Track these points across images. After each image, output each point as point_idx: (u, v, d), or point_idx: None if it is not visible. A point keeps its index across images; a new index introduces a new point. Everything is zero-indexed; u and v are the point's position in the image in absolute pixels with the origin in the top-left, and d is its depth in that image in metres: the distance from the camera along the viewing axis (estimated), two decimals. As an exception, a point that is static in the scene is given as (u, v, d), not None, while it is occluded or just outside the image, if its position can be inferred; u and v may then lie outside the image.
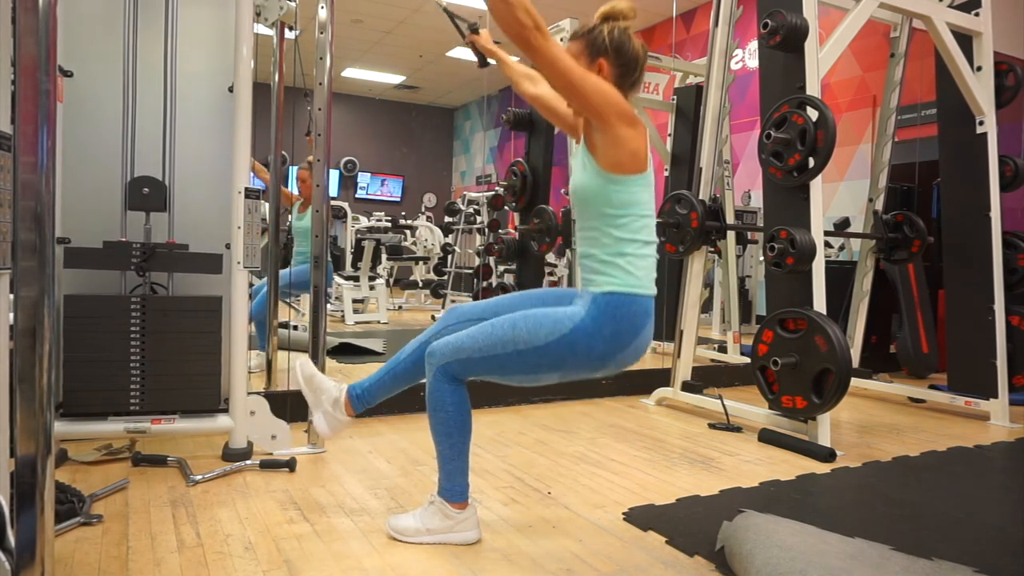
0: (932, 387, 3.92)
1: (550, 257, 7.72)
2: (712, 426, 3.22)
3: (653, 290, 1.72)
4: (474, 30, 2.05)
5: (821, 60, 2.99)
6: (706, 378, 3.75)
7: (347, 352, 4.73)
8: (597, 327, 1.65)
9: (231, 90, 2.45)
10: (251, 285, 3.01)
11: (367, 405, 1.94)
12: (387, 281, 8.38)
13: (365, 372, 4.19)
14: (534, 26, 1.52)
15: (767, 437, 2.96)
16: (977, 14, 3.59)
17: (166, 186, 2.46)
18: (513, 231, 5.25)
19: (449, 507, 1.79)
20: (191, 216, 2.55)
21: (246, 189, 2.36)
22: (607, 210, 1.68)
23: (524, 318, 1.71)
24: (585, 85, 1.59)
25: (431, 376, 1.77)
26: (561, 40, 4.47)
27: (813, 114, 2.85)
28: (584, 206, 1.73)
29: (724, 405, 3.26)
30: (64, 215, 2.40)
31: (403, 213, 10.70)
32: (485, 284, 6.77)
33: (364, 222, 8.50)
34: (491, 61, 2.03)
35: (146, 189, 2.40)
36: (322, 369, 2.59)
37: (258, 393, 2.54)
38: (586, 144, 1.72)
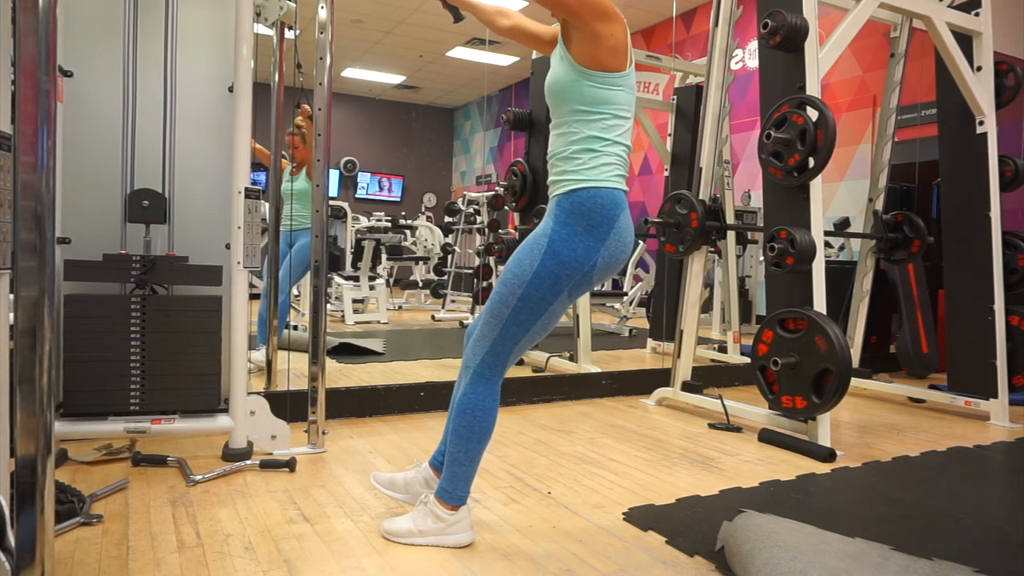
0: (932, 387, 3.91)
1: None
2: (712, 426, 3.22)
3: (617, 184, 1.70)
4: None
5: (821, 60, 2.99)
6: (706, 378, 3.75)
7: (347, 352, 4.73)
8: (569, 228, 1.66)
9: (231, 90, 2.45)
10: (252, 286, 3.01)
11: None
12: (387, 281, 8.38)
13: (365, 372, 4.21)
14: None
15: (767, 437, 2.96)
16: (977, 14, 3.59)
17: (166, 198, 2.46)
18: (513, 231, 5.25)
19: (442, 509, 1.78)
20: (191, 227, 2.55)
21: (246, 189, 2.36)
22: (580, 106, 1.67)
23: (507, 269, 1.73)
24: None
25: (468, 380, 1.78)
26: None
27: (813, 114, 2.85)
28: (558, 102, 1.72)
29: (724, 405, 3.26)
30: (64, 219, 2.40)
31: (403, 213, 10.70)
32: (485, 284, 6.78)
33: (364, 222, 8.50)
34: (464, 14, 2.03)
35: (146, 202, 2.40)
36: (322, 370, 2.59)
37: (258, 393, 2.54)
38: (563, 39, 1.71)
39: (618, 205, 1.69)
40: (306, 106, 2.76)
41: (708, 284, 6.33)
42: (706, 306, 6.25)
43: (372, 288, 6.96)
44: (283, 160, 4.00)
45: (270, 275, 3.49)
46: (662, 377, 3.75)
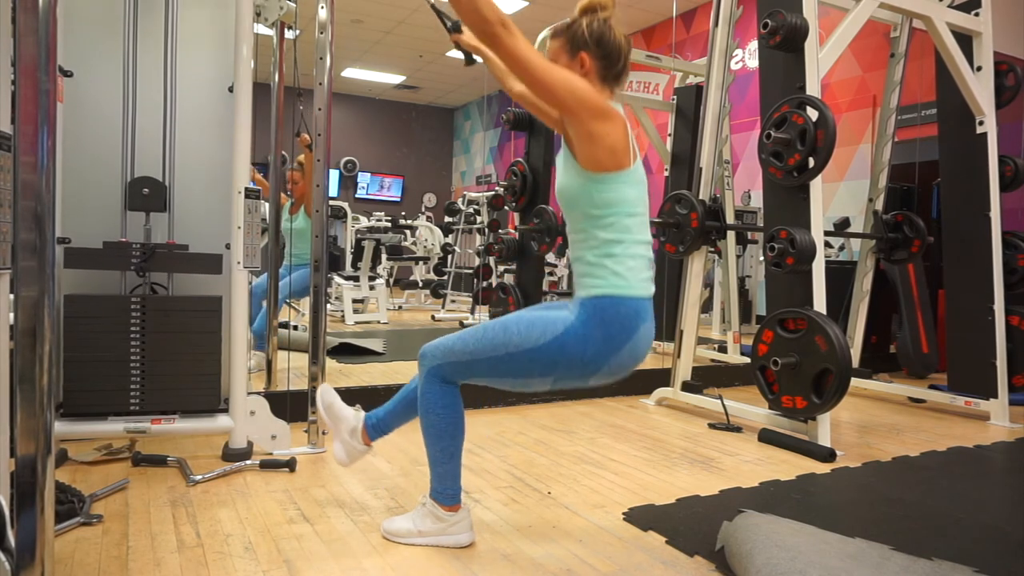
0: (932, 387, 3.91)
1: (550, 257, 7.72)
2: (712, 426, 3.22)
3: (645, 290, 1.66)
4: (458, 28, 2.03)
5: (821, 60, 2.99)
6: (706, 378, 3.75)
7: (347, 352, 4.73)
8: (587, 330, 1.61)
9: (231, 90, 2.45)
10: (251, 283, 3.01)
11: (383, 434, 1.97)
12: (387, 281, 8.38)
13: (365, 372, 4.21)
14: (498, 21, 1.48)
15: (767, 437, 2.96)
16: (977, 14, 3.59)
17: (166, 186, 2.47)
18: (513, 231, 5.25)
19: (441, 509, 1.78)
20: (191, 216, 2.55)
21: (246, 189, 2.36)
22: (592, 210, 1.63)
23: (517, 320, 1.68)
24: (552, 79, 1.53)
25: (422, 378, 1.76)
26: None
27: (813, 114, 2.84)
28: (569, 207, 1.69)
29: (724, 405, 3.26)
30: (64, 215, 2.41)
31: (403, 213, 10.70)
32: (485, 284, 6.78)
33: (364, 222, 8.50)
34: (477, 59, 2.02)
35: (146, 189, 2.40)
36: (322, 370, 2.59)
37: (258, 393, 2.54)
38: (565, 142, 1.68)
39: (640, 315, 1.64)
40: (305, 135, 2.72)
41: (708, 284, 6.33)
42: (706, 306, 6.25)
43: (372, 288, 6.96)
44: (282, 196, 4.02)
45: (270, 277, 3.49)
46: (662, 377, 3.75)
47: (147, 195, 2.40)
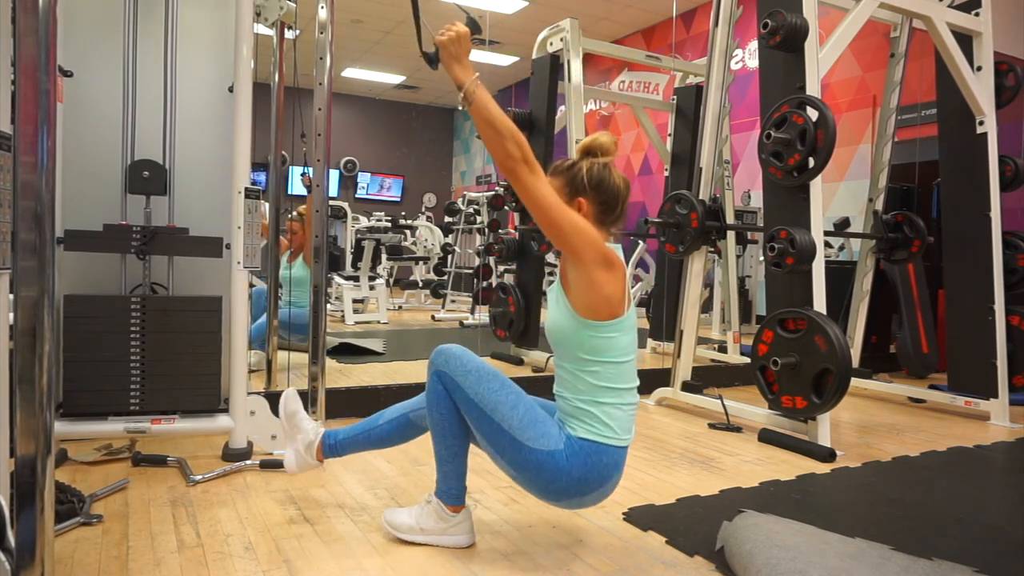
0: (932, 387, 3.92)
1: (550, 257, 7.72)
2: (712, 426, 3.22)
3: (628, 440, 1.70)
4: None
5: (821, 60, 2.99)
6: (706, 378, 3.75)
7: (347, 352, 4.73)
8: (569, 465, 1.64)
9: (231, 90, 2.45)
10: (251, 285, 3.01)
11: (337, 455, 1.98)
12: (387, 281, 8.38)
13: (365, 372, 4.21)
14: (522, 158, 1.52)
15: (767, 437, 2.96)
16: (977, 14, 3.59)
17: (166, 170, 2.46)
18: (513, 231, 5.25)
19: (445, 509, 1.78)
20: (191, 203, 2.55)
21: (246, 189, 2.36)
22: (581, 354, 1.65)
23: (527, 407, 1.70)
24: (564, 224, 1.56)
25: (430, 375, 1.77)
26: (561, 40, 4.47)
27: (813, 114, 2.84)
28: (558, 346, 1.71)
29: (724, 405, 3.26)
30: (64, 215, 2.40)
31: (403, 213, 10.70)
32: (485, 284, 6.77)
33: (364, 222, 8.50)
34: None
35: (146, 172, 2.40)
36: (322, 370, 2.59)
37: (258, 393, 2.54)
38: (561, 280, 1.70)
39: (618, 466, 1.69)
40: (308, 174, 2.73)
41: (708, 284, 6.33)
42: (706, 306, 6.25)
43: (372, 288, 6.96)
44: (283, 242, 4.02)
45: (270, 277, 3.49)
46: (662, 377, 3.75)
47: (147, 178, 2.39)
